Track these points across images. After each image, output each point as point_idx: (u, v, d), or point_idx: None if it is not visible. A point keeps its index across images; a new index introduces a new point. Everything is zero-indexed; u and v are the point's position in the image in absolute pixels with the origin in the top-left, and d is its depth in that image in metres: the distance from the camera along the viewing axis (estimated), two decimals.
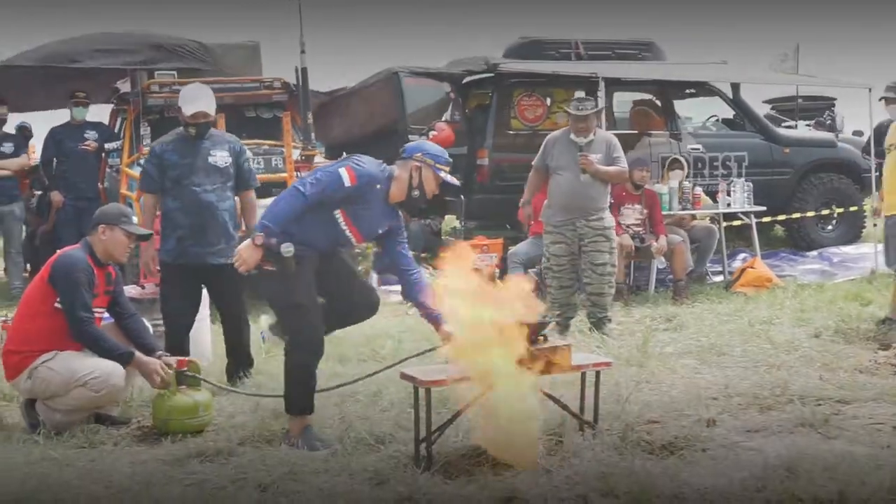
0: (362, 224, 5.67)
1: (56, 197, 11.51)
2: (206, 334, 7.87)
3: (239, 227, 7.27)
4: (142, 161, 10.38)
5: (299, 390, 5.56)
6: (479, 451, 5.10)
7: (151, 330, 6.72)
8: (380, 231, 5.80)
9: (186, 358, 6.29)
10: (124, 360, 5.98)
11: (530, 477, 4.81)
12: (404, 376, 5.25)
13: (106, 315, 6.31)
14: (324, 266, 5.67)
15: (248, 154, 7.30)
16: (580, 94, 11.90)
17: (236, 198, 7.30)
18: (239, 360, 7.04)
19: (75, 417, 5.94)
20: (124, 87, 11.74)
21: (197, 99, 7.04)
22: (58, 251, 6.29)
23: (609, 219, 8.62)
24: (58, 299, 5.98)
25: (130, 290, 7.96)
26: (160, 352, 6.19)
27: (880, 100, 8.57)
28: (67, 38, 11.79)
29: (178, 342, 6.78)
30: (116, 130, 12.11)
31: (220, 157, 7.03)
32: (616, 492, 4.55)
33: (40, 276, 6.19)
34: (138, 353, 6.02)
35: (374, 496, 4.63)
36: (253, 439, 5.54)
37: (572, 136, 8.59)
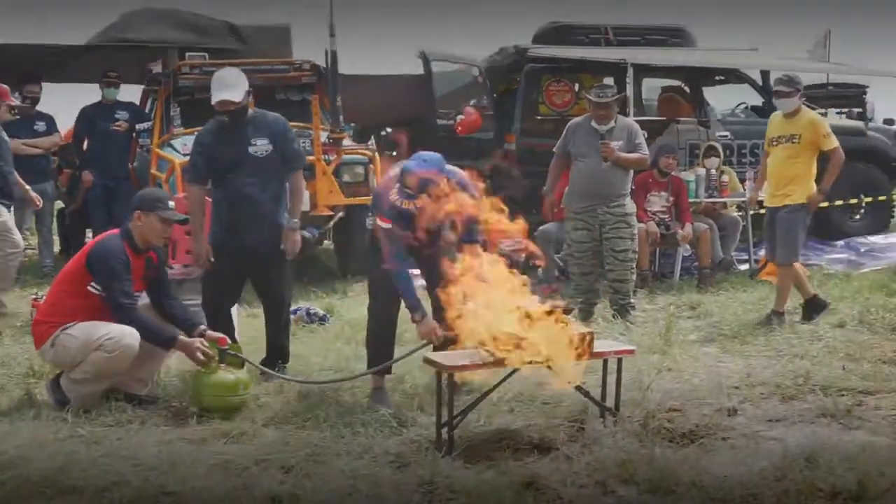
0: None
1: (86, 176, 11.62)
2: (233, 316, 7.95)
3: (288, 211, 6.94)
4: (174, 142, 10.52)
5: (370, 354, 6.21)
6: (501, 437, 5.16)
7: None
8: None
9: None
10: (168, 343, 6.07)
11: (551, 462, 4.86)
12: (428, 361, 5.30)
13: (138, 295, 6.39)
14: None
15: (292, 134, 7.01)
16: (608, 80, 11.94)
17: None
18: (274, 352, 6.96)
19: (97, 388, 6.02)
20: (156, 67, 11.85)
21: (221, 87, 6.75)
22: (95, 237, 6.36)
23: (630, 205, 8.63)
24: (92, 282, 6.06)
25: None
26: (202, 326, 6.27)
27: (773, 92, 8.52)
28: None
29: (215, 328, 6.81)
30: (147, 111, 12.20)
31: (261, 147, 6.74)
32: (636, 479, 4.59)
33: (79, 256, 6.27)
34: (181, 336, 6.09)
35: (395, 479, 4.68)
36: (277, 420, 5.62)
37: (593, 122, 8.59)
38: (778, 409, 5.80)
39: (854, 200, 13.41)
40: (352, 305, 9.05)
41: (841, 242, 12.99)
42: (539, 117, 12.40)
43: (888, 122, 18.07)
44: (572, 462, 4.85)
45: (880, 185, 13.52)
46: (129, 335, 5.95)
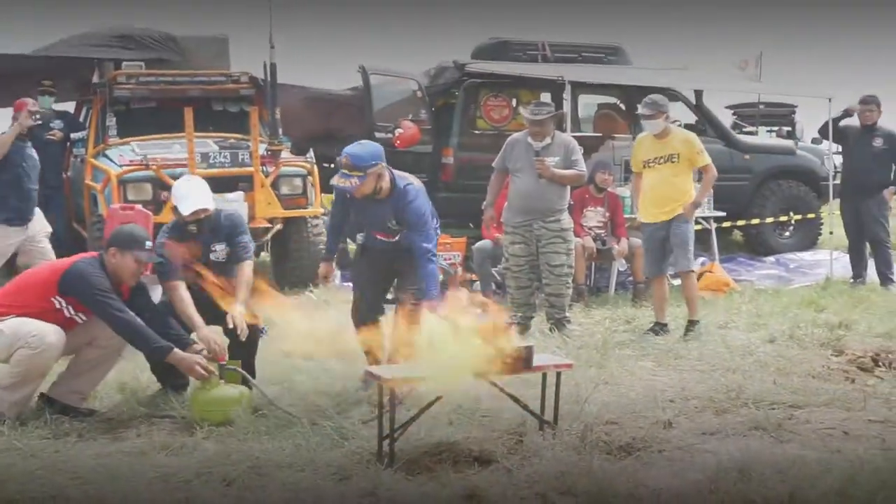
0: None
1: None
2: None
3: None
4: (109, 153, 10.42)
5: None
6: (441, 449, 5.20)
7: None
8: None
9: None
10: (163, 353, 6.00)
11: (491, 475, 4.91)
12: (369, 375, 5.33)
13: None
14: None
15: (243, 227, 6.85)
16: (545, 96, 12.08)
17: None
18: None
19: (26, 391, 5.96)
20: (91, 77, 11.74)
21: (190, 195, 6.58)
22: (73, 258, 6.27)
23: (567, 220, 8.75)
24: (56, 296, 6.00)
25: None
26: (195, 344, 6.19)
27: (636, 114, 8.85)
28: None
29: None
30: (82, 120, 12.08)
31: (220, 251, 6.65)
32: (574, 491, 4.66)
33: (53, 268, 6.27)
34: (177, 349, 6.01)
35: (337, 491, 4.71)
36: (217, 433, 5.60)
37: (529, 139, 8.71)
38: (712, 423, 5.91)
39: (784, 218, 13.71)
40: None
41: (771, 259, 13.29)
42: (477, 132, 12.50)
43: (816, 141, 18.48)
44: (512, 474, 4.91)
45: (809, 203, 13.83)
46: (52, 333, 5.90)
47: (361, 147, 6.37)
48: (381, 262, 6.78)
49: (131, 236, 6.27)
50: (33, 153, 9.13)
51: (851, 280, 11.07)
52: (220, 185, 10.09)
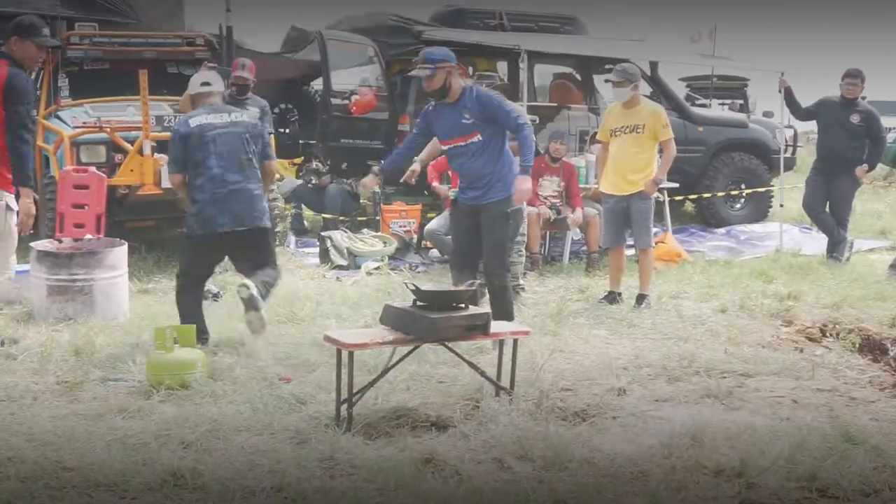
0: None
1: None
2: (123, 291, 7.89)
3: None
4: (61, 114, 10.28)
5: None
6: (399, 415, 5.26)
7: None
8: None
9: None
10: (23, 181, 6.59)
11: (448, 439, 4.97)
12: (328, 339, 5.35)
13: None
14: None
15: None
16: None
17: None
18: None
19: None
20: None
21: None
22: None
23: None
24: None
25: (47, 244, 7.95)
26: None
27: (606, 81, 8.89)
28: None
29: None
30: (33, 80, 11.88)
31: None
32: (531, 456, 4.73)
33: None
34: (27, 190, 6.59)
35: (295, 455, 4.72)
36: (174, 397, 5.59)
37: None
38: (664, 390, 6.01)
39: (735, 191, 13.86)
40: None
41: (722, 230, 13.43)
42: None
43: (767, 114, 18.68)
44: (469, 439, 4.97)
45: (761, 175, 13.99)
46: None
47: (435, 48, 7.15)
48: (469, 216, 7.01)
49: (31, 23, 6.87)
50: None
51: (829, 256, 10.94)
52: None
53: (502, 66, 12.82)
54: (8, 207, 6.71)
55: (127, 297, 8.00)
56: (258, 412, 5.30)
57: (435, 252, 10.82)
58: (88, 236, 8.49)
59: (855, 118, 10.88)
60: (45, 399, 5.63)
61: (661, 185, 9.20)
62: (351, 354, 5.16)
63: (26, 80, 6.75)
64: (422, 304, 5.36)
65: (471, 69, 12.71)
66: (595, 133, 11.77)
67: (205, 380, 5.79)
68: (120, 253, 7.99)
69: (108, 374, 6.09)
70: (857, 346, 7.29)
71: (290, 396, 5.51)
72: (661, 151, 8.80)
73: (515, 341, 5.69)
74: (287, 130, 13.88)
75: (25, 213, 6.61)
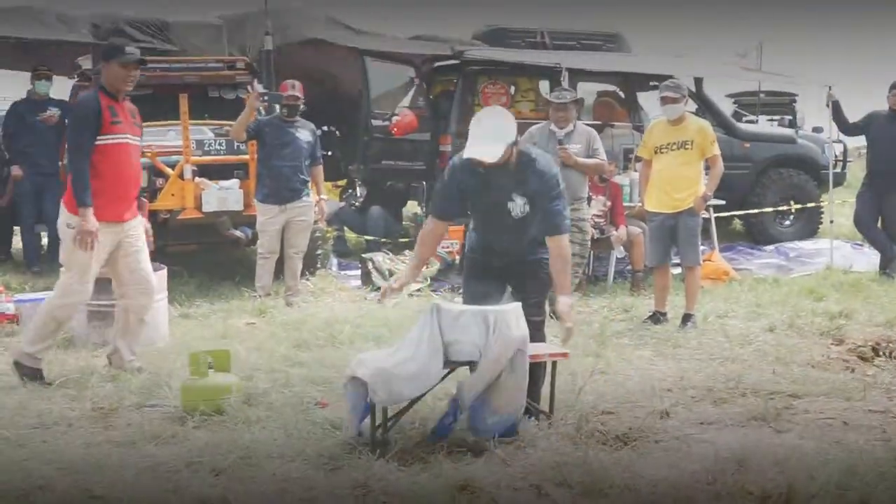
0: None
1: (16, 171, 11.38)
2: (163, 316, 7.85)
3: None
4: None
5: None
6: None
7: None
8: None
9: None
10: (80, 203, 6.44)
11: (485, 465, 4.84)
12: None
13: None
14: None
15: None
16: (544, 84, 11.99)
17: None
18: None
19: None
20: (85, 63, 11.64)
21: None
22: (23, 234, 6.63)
23: (585, 210, 8.72)
24: None
25: None
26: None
27: (662, 97, 8.51)
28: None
29: None
30: None
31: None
32: (570, 482, 4.58)
33: None
34: (91, 210, 6.43)
35: (328, 482, 4.62)
36: (208, 423, 5.52)
37: (552, 126, 8.70)
38: (709, 413, 5.84)
39: (784, 207, 13.62)
40: (284, 308, 8.98)
41: (771, 248, 13.19)
42: None
43: (817, 130, 18.38)
44: (506, 465, 4.84)
45: (810, 191, 13.74)
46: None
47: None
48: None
49: (111, 45, 6.92)
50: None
51: (882, 272, 10.69)
52: (215, 172, 10.04)
53: (544, 85, 12.69)
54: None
55: (167, 321, 7.97)
56: (292, 438, 5.20)
57: None
58: None
59: None
60: (80, 426, 5.58)
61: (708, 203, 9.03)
62: None
63: (83, 105, 6.71)
64: None
65: (512, 88, 12.63)
66: None
67: (239, 405, 5.71)
68: (160, 277, 7.95)
69: (144, 400, 6.04)
70: None
71: (325, 422, 5.41)
72: (706, 168, 8.65)
73: (554, 363, 5.56)
74: (330, 153, 13.87)
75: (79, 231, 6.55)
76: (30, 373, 6.52)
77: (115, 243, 6.74)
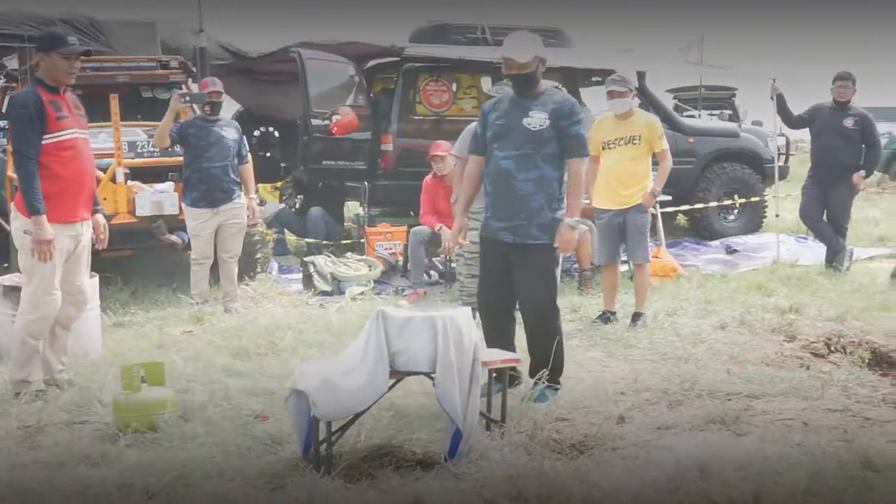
0: None
1: None
2: (95, 326, 7.51)
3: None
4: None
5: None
6: (383, 453, 4.89)
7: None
8: None
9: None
10: (30, 210, 6.03)
11: (436, 479, 4.60)
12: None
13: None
14: None
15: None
16: (486, 80, 11.78)
17: None
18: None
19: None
20: (11, 63, 11.21)
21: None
22: None
23: None
24: None
25: (13, 278, 7.58)
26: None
27: (609, 91, 8.39)
28: None
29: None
30: (4, 109, 11.54)
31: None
32: (525, 495, 4.37)
33: None
34: (44, 218, 6.02)
35: (270, 501, 4.37)
36: (142, 441, 5.22)
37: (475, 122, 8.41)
38: (666, 417, 5.65)
39: (728, 202, 13.55)
40: (222, 315, 8.66)
41: (716, 242, 13.11)
42: (416, 117, 12.15)
43: (757, 123, 18.42)
44: (459, 478, 4.61)
45: (754, 185, 13.70)
46: None
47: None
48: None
49: (50, 35, 6.43)
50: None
51: (828, 265, 10.64)
52: (149, 175, 9.69)
53: (486, 82, 12.48)
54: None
55: (99, 331, 7.62)
56: (231, 455, 4.93)
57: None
58: None
59: (849, 122, 10.61)
60: (4, 446, 5.26)
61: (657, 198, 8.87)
62: None
63: (22, 103, 6.13)
64: None
65: (454, 85, 12.40)
66: None
67: (175, 421, 5.42)
68: (92, 285, 7.60)
69: (74, 417, 5.72)
70: (867, 361, 6.92)
71: (266, 437, 5.15)
72: (655, 163, 8.49)
73: (506, 370, 5.33)
74: (269, 154, 13.55)
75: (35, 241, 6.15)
76: (34, 394, 6.17)
77: (76, 244, 6.39)
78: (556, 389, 6.00)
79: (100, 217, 6.69)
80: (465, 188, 6.45)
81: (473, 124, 8.75)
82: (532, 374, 6.07)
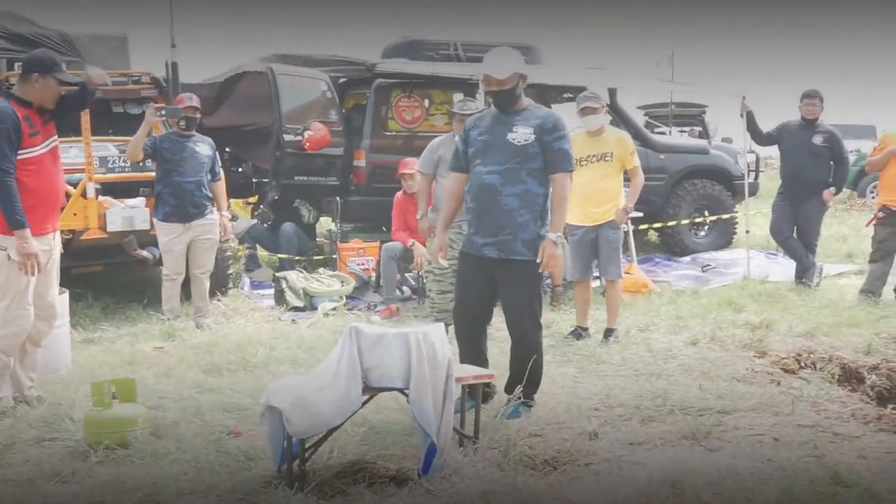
0: None
1: None
2: (65, 342, 7.46)
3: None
4: None
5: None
6: (356, 469, 4.87)
7: None
8: None
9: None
10: (13, 224, 6.00)
11: (409, 496, 4.60)
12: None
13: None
14: None
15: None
16: (458, 96, 11.80)
17: None
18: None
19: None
20: None
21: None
22: None
23: None
24: None
25: None
26: None
27: (581, 108, 8.41)
28: None
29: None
30: None
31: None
32: None
33: None
34: (28, 231, 6.02)
35: None
36: (113, 457, 5.18)
37: (457, 138, 8.42)
38: (638, 432, 5.66)
39: (700, 218, 13.63)
40: (194, 331, 8.62)
41: (687, 259, 13.18)
42: (389, 133, 12.16)
43: (727, 140, 18.54)
44: (432, 495, 4.60)
45: (724, 202, 13.79)
46: None
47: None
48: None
49: (51, 58, 6.37)
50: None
51: (798, 282, 10.71)
52: (120, 190, 9.64)
53: (458, 98, 12.51)
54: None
55: (69, 347, 7.57)
56: (203, 472, 4.90)
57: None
58: None
59: (817, 139, 10.71)
60: None
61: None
62: None
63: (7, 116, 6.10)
64: None
65: (426, 101, 12.43)
66: None
67: (146, 437, 5.39)
68: (62, 301, 7.55)
69: (44, 434, 5.66)
70: (836, 376, 6.98)
71: (239, 453, 5.12)
72: (626, 180, 8.54)
73: (479, 386, 5.33)
74: (241, 169, 13.51)
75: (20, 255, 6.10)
76: (2, 411, 6.13)
77: (48, 258, 6.35)
78: (530, 406, 6.00)
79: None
80: (446, 205, 6.40)
81: (437, 140, 8.81)
82: (509, 389, 6.05)
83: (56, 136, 6.48)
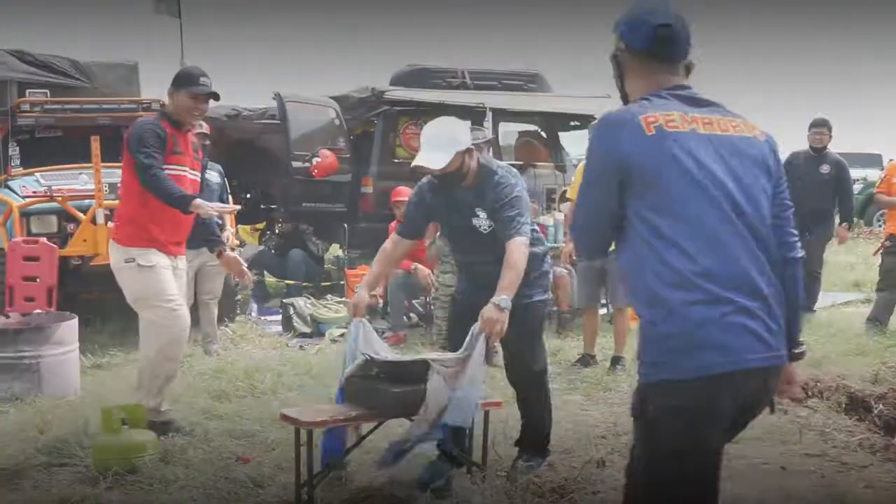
0: None
1: None
2: (74, 367, 7.50)
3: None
4: (11, 183, 9.92)
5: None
6: (365, 495, 4.90)
7: None
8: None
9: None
10: (182, 205, 6.00)
11: None
12: (284, 417, 5.00)
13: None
14: None
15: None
16: (466, 124, 11.85)
17: None
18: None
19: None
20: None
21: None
22: None
23: None
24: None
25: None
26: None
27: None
28: None
29: None
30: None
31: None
32: None
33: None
34: (199, 200, 6.05)
35: None
36: (122, 483, 5.20)
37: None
38: None
39: None
40: (202, 356, 8.65)
41: None
42: (396, 160, 12.22)
43: None
44: None
45: None
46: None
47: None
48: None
49: (186, 73, 6.31)
50: None
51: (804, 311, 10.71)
52: None
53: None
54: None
55: (78, 373, 7.62)
56: (212, 498, 4.93)
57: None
58: (38, 311, 8.12)
59: (825, 168, 10.74)
60: None
61: None
62: (310, 433, 4.81)
63: (142, 128, 6.12)
64: (384, 376, 5.03)
65: None
66: (564, 191, 11.58)
67: (155, 463, 5.41)
68: (70, 327, 7.62)
69: (53, 459, 5.68)
70: (843, 405, 6.97)
71: (248, 479, 5.14)
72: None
73: (487, 413, 5.35)
74: (249, 195, 13.58)
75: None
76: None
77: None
78: (545, 457, 5.62)
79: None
80: (377, 267, 5.80)
81: None
82: (522, 442, 5.68)
83: (198, 172, 6.55)
